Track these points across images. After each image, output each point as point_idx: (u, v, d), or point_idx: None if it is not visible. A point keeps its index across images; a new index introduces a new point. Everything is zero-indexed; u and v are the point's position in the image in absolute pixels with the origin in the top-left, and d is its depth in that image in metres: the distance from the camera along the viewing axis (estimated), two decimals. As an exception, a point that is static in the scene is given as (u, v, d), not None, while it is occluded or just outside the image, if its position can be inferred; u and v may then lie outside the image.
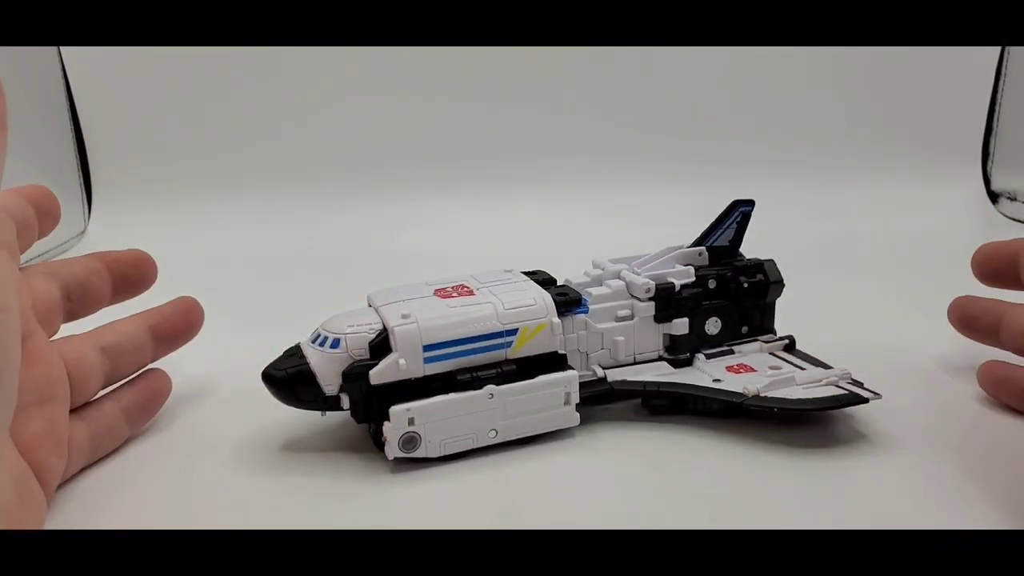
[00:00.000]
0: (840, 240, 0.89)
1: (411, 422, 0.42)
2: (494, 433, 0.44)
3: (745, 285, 0.50)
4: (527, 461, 0.44)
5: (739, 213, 0.50)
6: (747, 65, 0.99)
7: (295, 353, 0.43)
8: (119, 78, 0.93)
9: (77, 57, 0.92)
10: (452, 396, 0.42)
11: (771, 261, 0.51)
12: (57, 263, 0.46)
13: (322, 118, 0.97)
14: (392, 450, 0.42)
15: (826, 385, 0.46)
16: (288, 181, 0.96)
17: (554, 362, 0.45)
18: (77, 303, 0.45)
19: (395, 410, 0.41)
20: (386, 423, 0.42)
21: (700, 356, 0.49)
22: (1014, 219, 0.98)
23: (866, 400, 0.44)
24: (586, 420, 0.46)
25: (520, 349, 0.44)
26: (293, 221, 0.93)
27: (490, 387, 0.43)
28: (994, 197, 1.01)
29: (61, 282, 0.44)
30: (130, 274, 0.48)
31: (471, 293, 0.45)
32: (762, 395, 0.45)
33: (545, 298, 0.45)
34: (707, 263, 0.51)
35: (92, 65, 0.93)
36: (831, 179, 1.00)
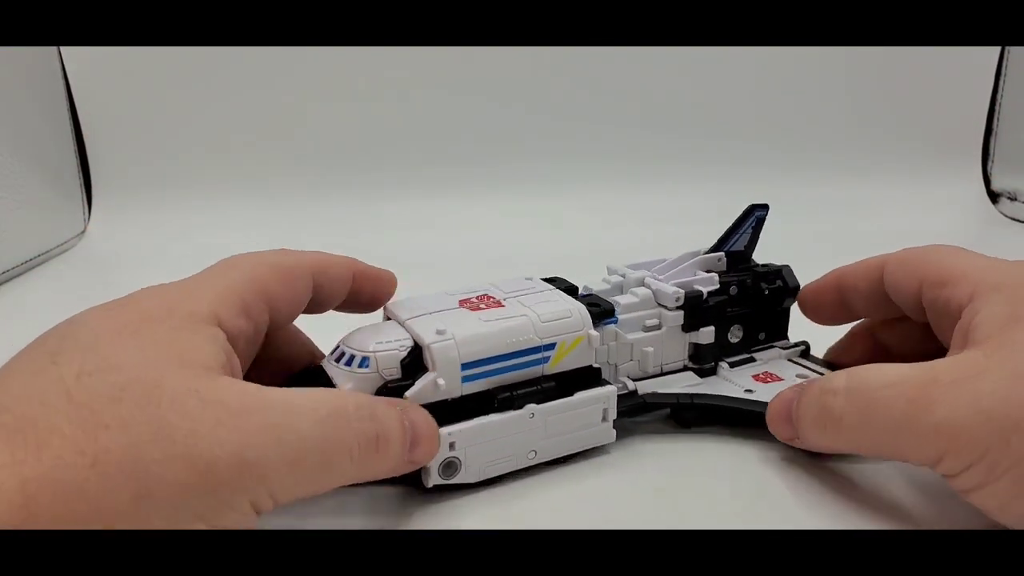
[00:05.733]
0: (840, 240, 0.87)
1: (452, 447, 0.39)
2: (533, 454, 0.41)
3: (766, 292, 0.48)
4: (564, 483, 0.41)
5: (754, 218, 0.48)
6: (747, 66, 0.97)
7: (318, 374, 0.40)
8: (119, 78, 0.91)
9: (77, 57, 0.90)
10: (494, 417, 0.39)
11: (787, 267, 0.50)
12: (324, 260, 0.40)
13: (324, 118, 0.94)
14: (431, 478, 0.39)
15: None
16: (289, 181, 0.94)
17: (590, 377, 0.43)
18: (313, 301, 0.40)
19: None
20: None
21: (723, 364, 0.48)
22: (1014, 219, 0.98)
23: None
24: (618, 434, 0.44)
25: (557, 364, 0.41)
26: (294, 221, 0.91)
27: (531, 406, 0.40)
28: (994, 197, 1.00)
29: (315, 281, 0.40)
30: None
31: (500, 304, 0.43)
32: None
33: (580, 309, 0.42)
34: (725, 269, 0.49)
35: (92, 65, 0.90)
36: (831, 179, 0.99)
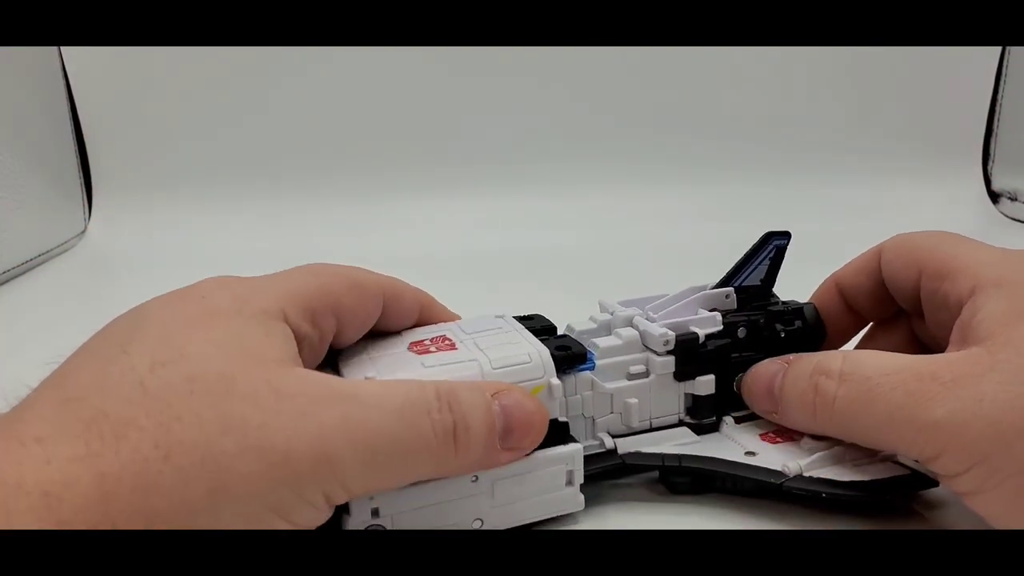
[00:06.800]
0: (840, 240, 0.76)
1: (375, 513, 0.29)
2: (479, 523, 0.31)
3: (782, 334, 0.36)
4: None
5: (772, 247, 0.37)
6: (746, 66, 0.87)
7: None
8: (119, 78, 0.81)
9: (77, 57, 0.80)
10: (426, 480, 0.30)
11: (810, 305, 0.38)
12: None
13: (325, 118, 0.84)
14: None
15: (883, 461, 0.33)
16: (290, 181, 0.84)
17: (554, 433, 0.32)
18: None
19: (356, 499, 0.29)
20: (344, 515, 0.29)
21: (728, 420, 0.36)
22: (1014, 219, 0.87)
23: (936, 483, 0.32)
24: (590, 500, 0.33)
25: None
26: (295, 221, 0.82)
27: None
28: (994, 197, 0.89)
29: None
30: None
31: (452, 347, 0.33)
32: (806, 475, 0.32)
33: (542, 353, 0.32)
34: (735, 307, 0.37)
35: (92, 65, 0.80)
36: (831, 179, 0.88)
